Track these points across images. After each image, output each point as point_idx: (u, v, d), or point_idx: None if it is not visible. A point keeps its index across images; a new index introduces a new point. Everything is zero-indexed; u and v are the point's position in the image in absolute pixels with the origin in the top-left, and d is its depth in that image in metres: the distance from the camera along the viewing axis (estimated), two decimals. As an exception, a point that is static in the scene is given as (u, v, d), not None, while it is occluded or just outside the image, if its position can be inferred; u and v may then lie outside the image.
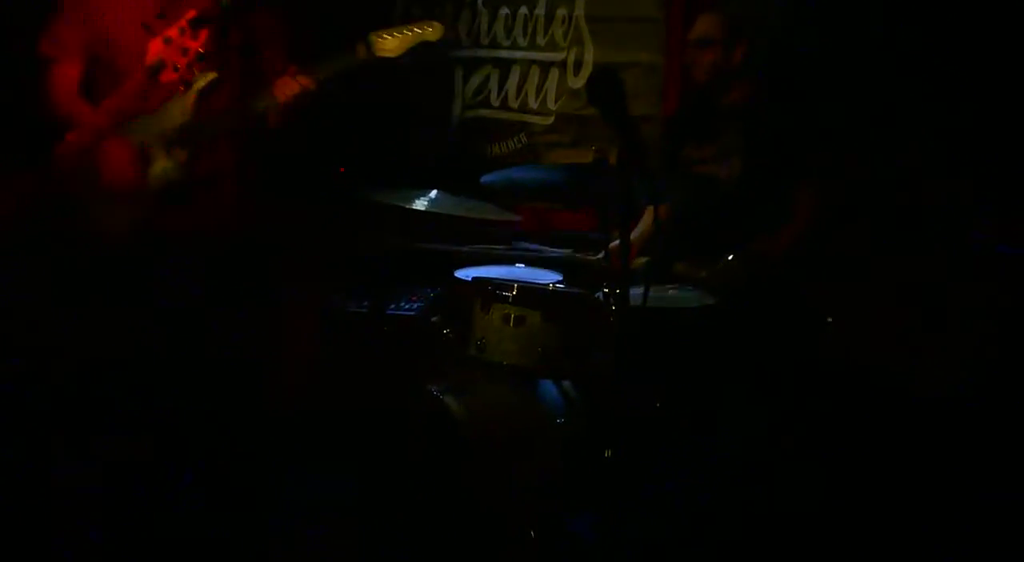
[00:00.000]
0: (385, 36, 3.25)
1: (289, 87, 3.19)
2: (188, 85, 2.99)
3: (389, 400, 3.30)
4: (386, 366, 3.67)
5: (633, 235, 3.76)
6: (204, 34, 2.83)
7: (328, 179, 4.05)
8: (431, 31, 3.28)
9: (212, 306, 3.19)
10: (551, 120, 4.79)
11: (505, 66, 4.78)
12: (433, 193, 3.52)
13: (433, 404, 3.11)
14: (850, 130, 3.84)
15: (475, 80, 4.83)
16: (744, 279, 3.38)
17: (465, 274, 3.68)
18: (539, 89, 4.73)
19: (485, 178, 3.20)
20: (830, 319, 3.47)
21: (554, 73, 4.72)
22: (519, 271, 3.87)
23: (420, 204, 3.48)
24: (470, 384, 3.23)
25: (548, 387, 3.38)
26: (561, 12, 4.67)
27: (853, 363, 3.60)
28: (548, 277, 3.74)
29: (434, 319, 3.67)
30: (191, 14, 2.85)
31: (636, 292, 2.92)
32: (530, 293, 3.26)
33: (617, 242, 2.95)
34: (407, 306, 4.07)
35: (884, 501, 3.33)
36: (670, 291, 3.38)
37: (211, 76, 3.08)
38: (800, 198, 3.54)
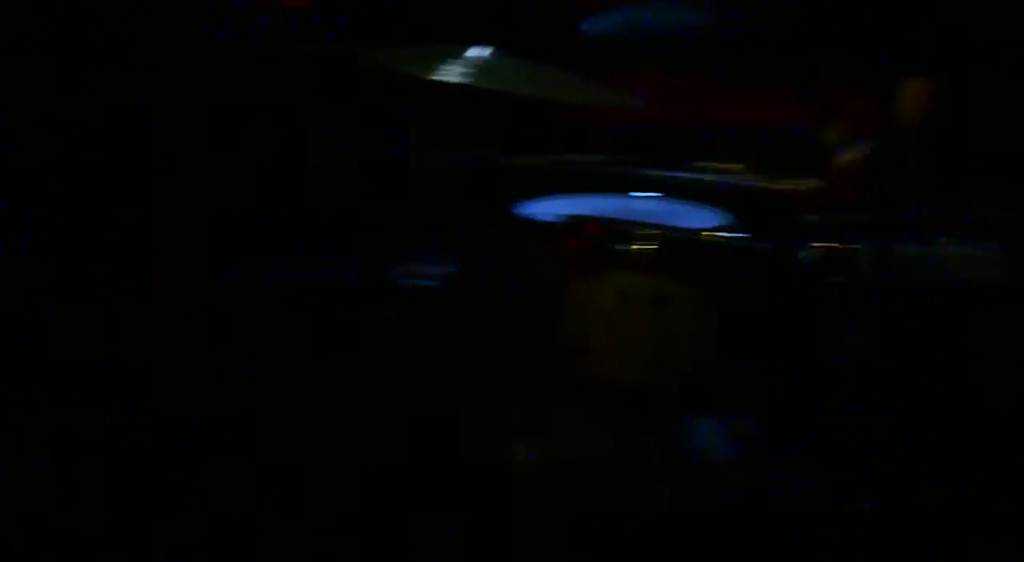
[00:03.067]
0: None
1: None
2: None
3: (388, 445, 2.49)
4: (378, 384, 2.64)
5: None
6: None
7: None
8: None
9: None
10: None
11: None
12: (487, 52, 2.46)
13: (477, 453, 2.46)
14: None
15: None
16: None
17: (542, 210, 2.67)
18: None
19: (588, 24, 2.55)
20: None
21: None
22: (638, 206, 2.85)
23: (452, 73, 2.40)
24: (547, 423, 2.48)
25: (708, 435, 2.49)
26: None
27: None
28: (696, 219, 2.75)
29: (476, 293, 2.88)
30: None
31: (876, 248, 2.27)
32: (675, 249, 2.42)
33: (847, 153, 2.41)
34: (421, 271, 2.96)
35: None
36: (950, 249, 2.52)
37: None
38: None
